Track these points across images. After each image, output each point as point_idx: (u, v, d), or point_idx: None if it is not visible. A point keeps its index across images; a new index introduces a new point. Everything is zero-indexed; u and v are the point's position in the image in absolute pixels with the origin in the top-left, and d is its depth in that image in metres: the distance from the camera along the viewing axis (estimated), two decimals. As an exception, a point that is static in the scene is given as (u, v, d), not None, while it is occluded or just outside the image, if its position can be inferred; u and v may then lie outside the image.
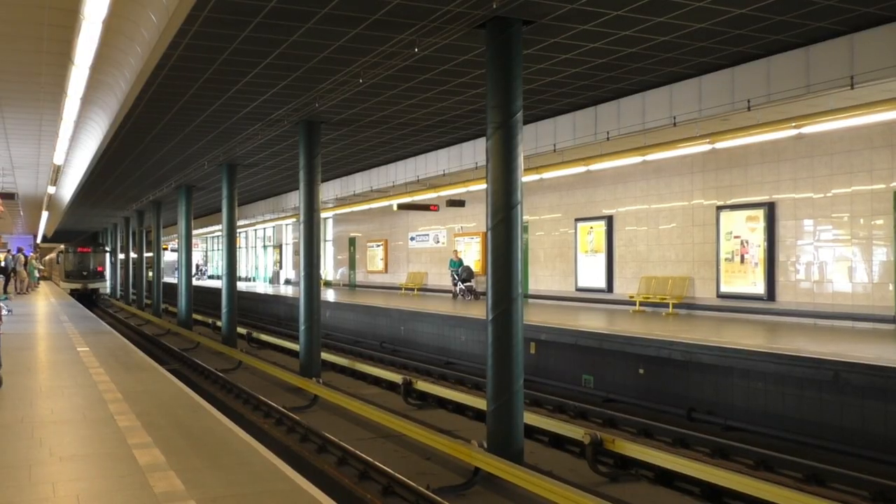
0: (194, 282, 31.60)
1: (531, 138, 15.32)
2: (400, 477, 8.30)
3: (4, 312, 17.60)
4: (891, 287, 12.78)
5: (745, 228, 15.22)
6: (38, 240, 58.54)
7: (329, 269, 35.63)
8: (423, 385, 13.62)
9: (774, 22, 9.51)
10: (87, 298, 39.40)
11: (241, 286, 31.21)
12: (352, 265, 33.41)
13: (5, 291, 20.64)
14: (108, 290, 44.74)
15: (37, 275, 37.41)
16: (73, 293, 38.00)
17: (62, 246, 43.61)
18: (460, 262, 23.90)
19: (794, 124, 12.03)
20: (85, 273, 42.02)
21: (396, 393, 13.99)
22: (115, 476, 4.87)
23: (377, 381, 15.61)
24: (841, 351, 10.04)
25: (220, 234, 37.80)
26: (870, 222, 13.10)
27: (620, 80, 12.30)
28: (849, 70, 9.82)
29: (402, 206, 24.00)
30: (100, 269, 43.16)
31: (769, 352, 10.28)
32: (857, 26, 9.65)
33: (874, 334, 12.18)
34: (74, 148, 18.69)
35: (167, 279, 45.99)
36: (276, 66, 11.30)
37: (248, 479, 4.85)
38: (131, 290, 42.10)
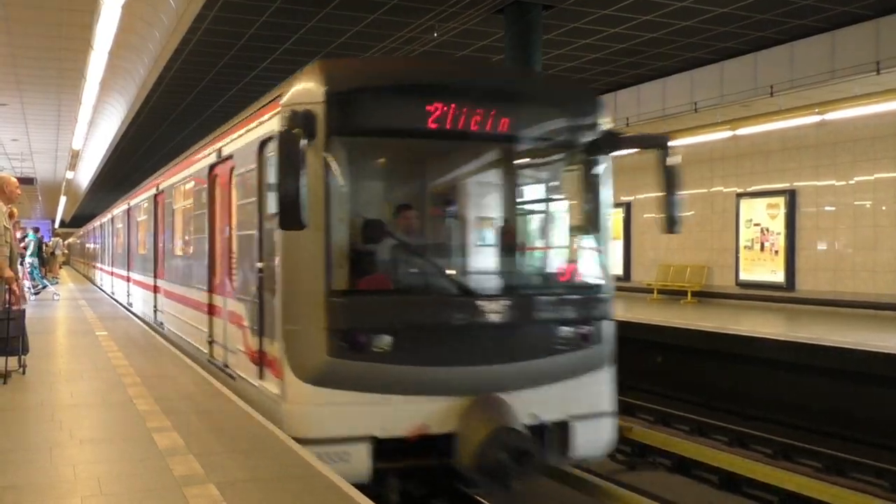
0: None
1: (549, 124, 15.19)
2: (417, 463, 8.25)
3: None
4: (913, 276, 12.62)
5: (765, 216, 15.05)
6: (56, 224, 59.06)
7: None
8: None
9: (799, 6, 9.38)
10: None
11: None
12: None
13: (43, 276, 20.63)
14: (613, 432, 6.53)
15: (63, 260, 37.38)
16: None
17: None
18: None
19: (817, 110, 11.87)
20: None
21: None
22: (135, 459, 4.89)
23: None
24: (862, 340, 9.93)
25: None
26: (893, 209, 12.91)
27: (640, 66, 12.18)
28: (874, 55, 9.68)
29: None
30: (563, 275, 6.54)
31: (789, 340, 10.18)
32: (883, 10, 9.51)
33: (896, 323, 12.04)
34: (93, 133, 18.79)
35: None
36: (294, 51, 11.27)
37: (267, 463, 4.85)
38: None
